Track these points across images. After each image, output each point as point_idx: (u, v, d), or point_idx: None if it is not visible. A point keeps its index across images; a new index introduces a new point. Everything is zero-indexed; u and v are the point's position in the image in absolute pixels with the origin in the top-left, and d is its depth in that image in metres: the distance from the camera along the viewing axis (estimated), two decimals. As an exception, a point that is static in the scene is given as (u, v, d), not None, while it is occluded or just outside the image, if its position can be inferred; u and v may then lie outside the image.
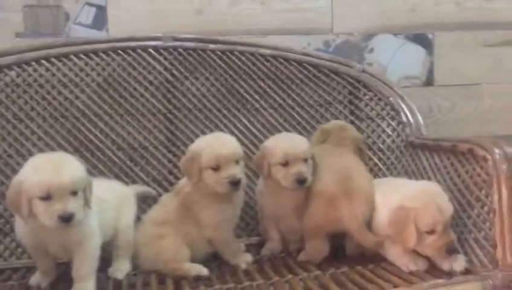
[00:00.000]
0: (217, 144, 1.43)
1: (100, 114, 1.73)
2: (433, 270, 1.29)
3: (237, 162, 1.43)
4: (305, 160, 1.48)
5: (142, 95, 1.78)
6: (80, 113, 1.72)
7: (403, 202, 1.31)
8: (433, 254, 1.28)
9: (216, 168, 1.41)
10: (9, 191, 1.21)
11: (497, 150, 1.27)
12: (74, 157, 1.29)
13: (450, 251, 1.26)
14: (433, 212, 1.26)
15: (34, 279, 1.36)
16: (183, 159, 1.48)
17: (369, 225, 1.41)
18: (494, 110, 2.14)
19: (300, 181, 1.45)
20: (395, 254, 1.36)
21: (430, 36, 2.08)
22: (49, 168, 1.18)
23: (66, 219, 1.16)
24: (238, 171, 1.42)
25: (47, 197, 1.16)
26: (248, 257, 1.50)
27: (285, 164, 1.48)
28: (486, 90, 2.14)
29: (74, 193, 1.19)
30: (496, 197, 1.23)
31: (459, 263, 1.26)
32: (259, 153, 1.56)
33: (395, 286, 1.21)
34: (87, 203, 1.24)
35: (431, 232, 1.26)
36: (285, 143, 1.50)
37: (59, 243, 1.26)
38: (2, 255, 1.58)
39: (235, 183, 1.40)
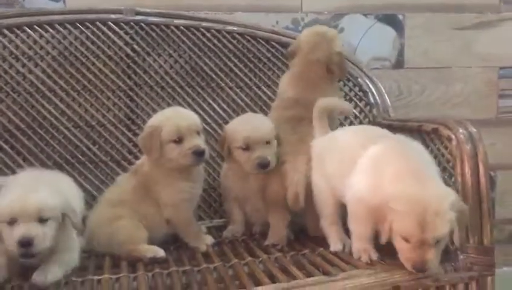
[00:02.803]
0: (176, 117, 1.38)
1: (55, 89, 1.65)
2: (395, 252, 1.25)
3: (198, 133, 1.39)
4: (268, 142, 1.43)
5: (100, 71, 1.70)
6: (33, 88, 1.64)
7: (388, 194, 1.14)
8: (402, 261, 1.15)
9: (178, 141, 1.36)
10: None
11: (461, 130, 1.24)
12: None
13: (417, 270, 1.11)
14: (412, 223, 1.09)
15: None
16: (141, 135, 1.42)
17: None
18: (464, 94, 2.12)
19: (263, 165, 1.41)
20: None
21: (400, 17, 2.04)
22: None
23: None
24: (201, 141, 1.38)
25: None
26: (208, 239, 1.45)
27: (247, 148, 1.43)
28: (457, 74, 2.11)
29: None
30: (459, 178, 1.20)
31: None
32: (221, 136, 1.51)
33: (356, 268, 1.17)
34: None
35: (405, 239, 1.12)
36: (246, 126, 1.45)
37: None
38: None
39: (199, 154, 1.35)
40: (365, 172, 1.23)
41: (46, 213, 1.15)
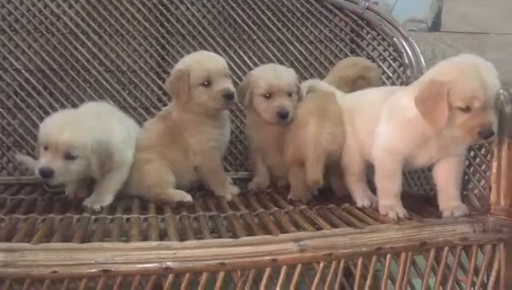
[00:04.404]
0: (204, 60, 1.38)
1: (88, 32, 1.65)
2: (423, 211, 1.25)
3: (227, 77, 1.38)
4: (290, 94, 1.42)
5: (133, 16, 1.69)
6: (67, 30, 1.64)
7: (434, 77, 1.14)
8: (463, 136, 1.12)
9: (207, 84, 1.35)
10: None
11: (501, 90, 1.20)
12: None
13: (485, 134, 1.08)
14: (472, 85, 1.08)
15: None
16: (168, 79, 1.42)
17: (337, 162, 1.37)
18: (499, 62, 2.05)
19: (282, 115, 1.39)
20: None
21: (440, -22, 1.98)
22: None
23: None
24: (230, 85, 1.37)
25: None
26: (234, 189, 1.45)
27: (269, 96, 1.41)
28: (494, 41, 2.05)
29: None
30: (496, 139, 1.17)
31: (460, 211, 1.18)
32: (244, 81, 1.49)
33: (382, 223, 1.16)
34: None
35: (466, 109, 1.09)
36: (271, 74, 1.44)
37: None
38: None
39: (229, 97, 1.35)
40: (387, 120, 1.23)
41: (74, 151, 1.21)
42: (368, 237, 1.09)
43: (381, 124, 1.25)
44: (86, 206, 1.25)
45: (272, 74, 1.44)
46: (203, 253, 1.00)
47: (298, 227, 1.17)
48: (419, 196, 1.41)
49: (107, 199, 1.29)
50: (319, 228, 1.15)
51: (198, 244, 1.02)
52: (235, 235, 1.10)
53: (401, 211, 1.21)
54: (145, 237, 1.08)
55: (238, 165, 1.73)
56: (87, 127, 1.24)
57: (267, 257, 1.03)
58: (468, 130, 1.10)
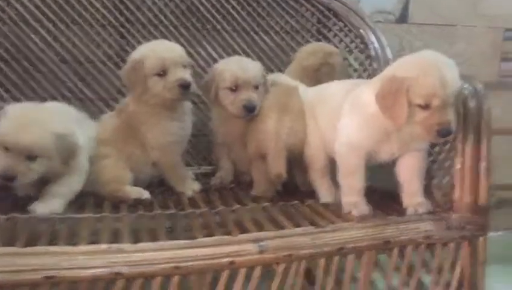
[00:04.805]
0: (160, 49, 1.32)
1: (42, 20, 1.56)
2: (387, 208, 1.22)
3: (185, 67, 1.32)
4: (256, 87, 1.38)
5: (91, 4, 1.61)
6: (19, 17, 1.55)
7: (395, 72, 1.12)
8: (422, 133, 1.10)
9: (162, 74, 1.29)
10: None
11: (466, 85, 1.18)
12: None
13: (443, 133, 1.07)
14: (431, 82, 1.06)
15: None
16: (123, 69, 1.35)
17: (300, 157, 1.33)
18: (466, 54, 2.05)
19: (249, 108, 1.35)
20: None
21: (408, -31, 1.95)
22: None
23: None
24: (187, 74, 1.31)
25: None
26: (195, 185, 1.40)
27: (235, 89, 1.37)
28: (461, 33, 2.04)
29: None
30: (460, 135, 1.15)
31: (424, 208, 1.17)
32: (209, 75, 1.44)
33: (346, 221, 1.13)
34: None
35: (425, 106, 1.07)
36: (236, 66, 1.39)
37: None
38: None
39: (185, 87, 1.29)
40: (349, 114, 1.21)
41: (36, 151, 1.14)
42: (329, 236, 1.06)
43: (344, 119, 1.22)
44: (34, 211, 1.15)
45: (238, 67, 1.39)
46: (156, 256, 0.95)
47: (259, 226, 1.13)
48: (383, 191, 1.38)
49: (57, 205, 1.18)
50: (281, 227, 1.12)
51: (152, 246, 0.97)
52: (192, 236, 1.05)
53: (365, 209, 1.18)
54: (96, 239, 1.02)
55: (201, 159, 1.68)
56: (47, 124, 1.16)
57: (225, 259, 0.99)
58: (426, 127, 1.08)
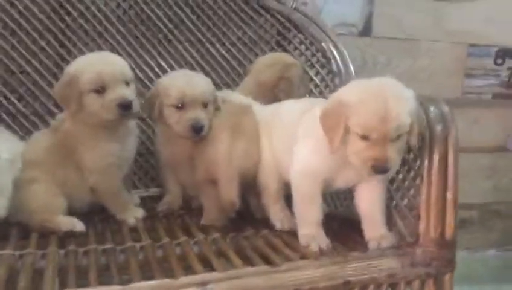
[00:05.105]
0: (98, 62, 1.18)
1: (-33, 26, 1.40)
2: (347, 240, 1.12)
3: (127, 84, 1.19)
4: (205, 105, 1.25)
5: (27, 8, 1.46)
6: None
7: (340, 94, 1.04)
8: (357, 165, 1.02)
9: (100, 91, 1.15)
10: None
11: (432, 108, 1.09)
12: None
13: (378, 170, 0.99)
14: (371, 113, 0.97)
15: None
16: (57, 85, 1.21)
17: (253, 181, 1.23)
18: (430, 69, 2.00)
19: (196, 129, 1.22)
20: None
21: (371, -20, 1.87)
22: None
23: None
24: (128, 92, 1.17)
25: None
26: (138, 212, 1.27)
27: (181, 107, 1.24)
28: (425, 47, 1.98)
29: None
30: (425, 161, 1.06)
31: (388, 242, 1.06)
32: (152, 90, 1.31)
33: (302, 258, 1.02)
34: None
35: (363, 137, 0.99)
36: (183, 81, 1.26)
37: None
38: None
39: (125, 107, 1.15)
40: (303, 137, 1.11)
41: None
42: (285, 276, 0.95)
43: (298, 143, 1.11)
44: None
45: (184, 82, 1.26)
46: (80, 307, 0.81)
47: (207, 263, 1.01)
48: (344, 219, 1.28)
49: None
50: (231, 265, 1.00)
51: (75, 296, 0.83)
52: (128, 279, 0.91)
53: (323, 242, 1.07)
54: (11, 285, 0.87)
55: (148, 181, 1.54)
56: None
57: (164, 308, 0.86)
58: (362, 160, 1.00)
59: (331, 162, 1.07)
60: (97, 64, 1.16)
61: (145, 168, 1.54)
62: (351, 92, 1.02)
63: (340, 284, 0.97)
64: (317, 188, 1.09)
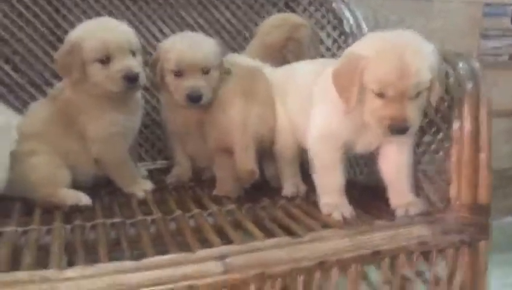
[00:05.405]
0: (103, 30, 1.09)
1: (-45, -10, 1.30)
2: (371, 208, 1.05)
3: (133, 54, 1.10)
4: (206, 71, 1.16)
5: (18, -29, 1.36)
6: None
7: (354, 48, 0.96)
8: (373, 125, 0.94)
9: (105, 61, 1.07)
10: None
11: (461, 64, 1.01)
12: None
13: (395, 129, 0.91)
14: (387, 68, 0.89)
15: None
16: (57, 53, 1.12)
17: (270, 148, 1.16)
18: (444, 30, 1.90)
19: (192, 98, 1.14)
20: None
21: None
22: None
23: None
24: (135, 63, 1.09)
25: None
26: (147, 185, 1.19)
27: (179, 73, 1.15)
28: (438, 7, 1.88)
29: None
30: (457, 123, 0.98)
31: (416, 208, 0.99)
32: (154, 54, 1.22)
33: (325, 227, 0.95)
34: None
35: (379, 94, 0.91)
36: (183, 46, 1.17)
37: None
38: None
39: (131, 79, 1.07)
40: (320, 100, 1.03)
41: None
42: (308, 248, 0.88)
43: (315, 106, 1.04)
44: None
45: (185, 45, 1.17)
46: (90, 284, 0.74)
47: (223, 236, 0.94)
48: (365, 187, 1.21)
49: None
50: (249, 237, 0.93)
51: (85, 273, 0.76)
52: (140, 254, 0.85)
53: (347, 210, 1.00)
54: (15, 262, 0.80)
55: (155, 153, 1.47)
56: None
57: (182, 283, 0.79)
58: (378, 119, 0.92)
59: (349, 124, 0.99)
60: (101, 31, 1.08)
61: (151, 140, 1.46)
62: (366, 45, 0.95)
63: (369, 254, 0.90)
64: (338, 153, 1.02)
